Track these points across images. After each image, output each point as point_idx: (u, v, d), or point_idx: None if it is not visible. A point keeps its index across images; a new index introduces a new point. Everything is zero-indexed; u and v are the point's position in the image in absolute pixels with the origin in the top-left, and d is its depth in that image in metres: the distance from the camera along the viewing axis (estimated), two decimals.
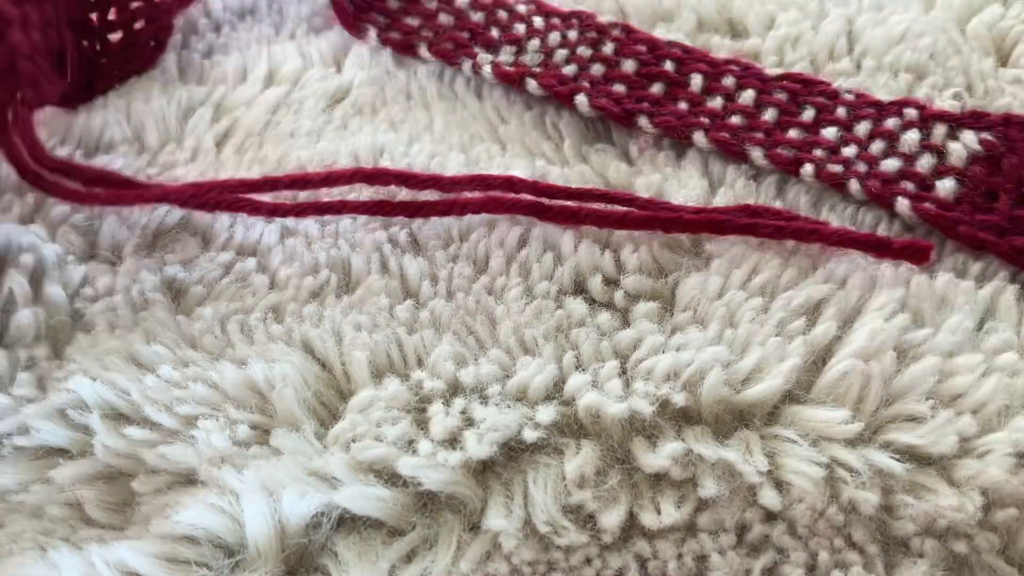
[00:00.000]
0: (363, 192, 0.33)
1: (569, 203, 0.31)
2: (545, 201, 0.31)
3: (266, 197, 0.33)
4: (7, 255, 0.32)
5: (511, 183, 0.32)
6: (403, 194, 0.33)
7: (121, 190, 0.33)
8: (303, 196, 0.33)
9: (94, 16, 0.36)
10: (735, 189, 0.33)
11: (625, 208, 0.31)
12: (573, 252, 0.31)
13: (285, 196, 0.33)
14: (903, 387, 0.27)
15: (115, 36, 0.37)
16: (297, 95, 0.38)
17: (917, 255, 0.29)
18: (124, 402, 0.28)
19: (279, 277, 0.31)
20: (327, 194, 0.33)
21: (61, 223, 0.33)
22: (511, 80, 0.36)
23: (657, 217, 0.30)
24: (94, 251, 0.32)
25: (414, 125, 0.36)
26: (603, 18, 0.37)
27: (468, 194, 0.32)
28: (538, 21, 0.38)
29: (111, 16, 0.37)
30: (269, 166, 0.35)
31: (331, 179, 0.32)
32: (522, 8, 0.38)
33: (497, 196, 0.31)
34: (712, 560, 0.25)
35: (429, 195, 0.32)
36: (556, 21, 0.38)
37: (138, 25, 0.37)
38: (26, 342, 0.30)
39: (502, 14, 0.38)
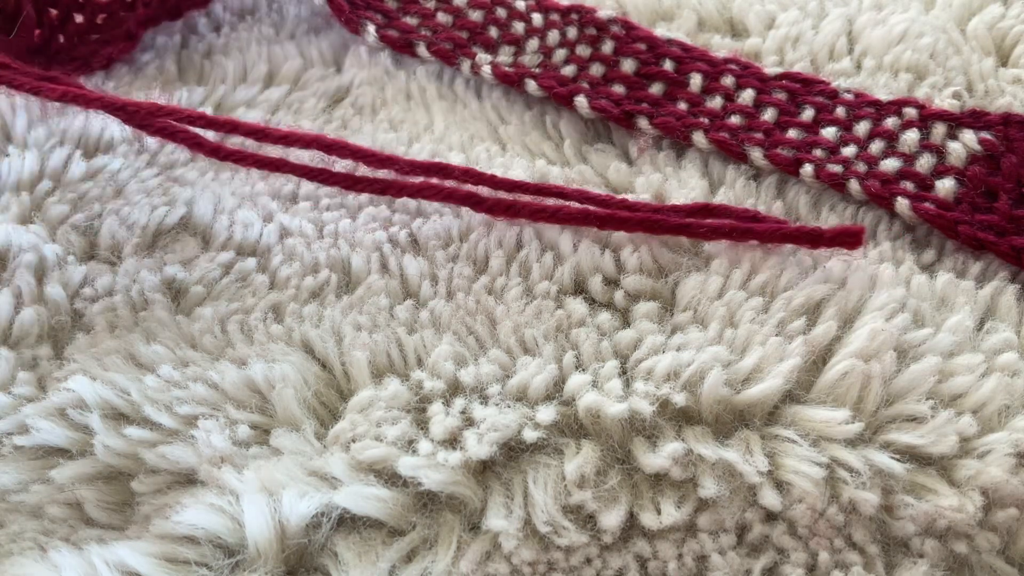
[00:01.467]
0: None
1: (506, 196, 0.31)
2: (482, 192, 0.32)
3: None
4: (8, 255, 0.32)
5: (468, 173, 0.32)
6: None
7: (67, 87, 0.33)
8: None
9: None
10: (735, 189, 0.33)
11: (562, 203, 0.31)
12: (573, 252, 0.31)
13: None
14: (903, 387, 0.27)
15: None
16: (297, 95, 0.38)
17: (850, 241, 0.29)
18: (124, 402, 0.28)
19: (279, 277, 0.31)
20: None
21: (61, 223, 0.33)
22: (510, 81, 0.36)
23: (593, 214, 0.30)
24: (94, 251, 0.32)
25: (414, 125, 0.36)
26: (602, 13, 0.37)
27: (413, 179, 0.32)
28: (537, 18, 0.38)
29: None
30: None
31: (290, 138, 0.32)
32: (521, 5, 0.38)
33: (433, 183, 0.32)
34: (712, 560, 0.25)
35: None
36: (555, 17, 0.38)
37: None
38: (29, 342, 0.30)
39: (501, 12, 0.38)
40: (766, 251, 0.30)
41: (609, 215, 0.30)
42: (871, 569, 0.25)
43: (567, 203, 0.31)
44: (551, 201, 0.31)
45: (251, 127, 0.32)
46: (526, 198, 0.32)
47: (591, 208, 0.31)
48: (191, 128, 0.32)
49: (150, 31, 0.40)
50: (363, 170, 0.33)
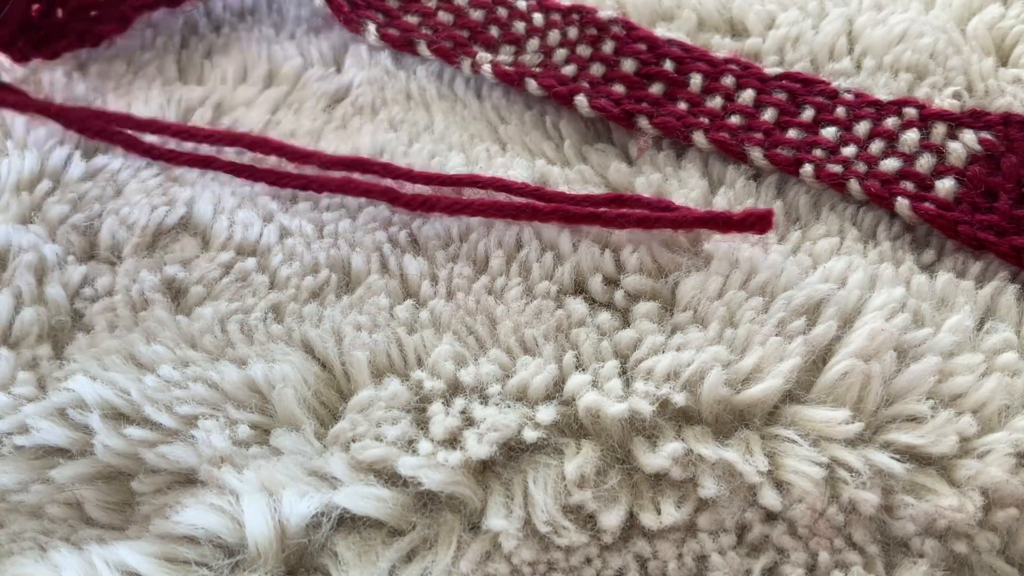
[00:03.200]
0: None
1: (425, 191, 0.32)
2: (400, 187, 0.32)
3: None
4: (7, 255, 0.32)
5: (386, 168, 0.33)
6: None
7: (19, 97, 0.35)
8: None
9: None
10: (735, 189, 0.33)
11: (476, 198, 0.32)
12: (573, 252, 0.31)
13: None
14: (903, 387, 0.27)
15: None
16: (297, 95, 0.38)
17: (758, 224, 0.30)
18: (124, 402, 0.28)
19: (279, 277, 0.31)
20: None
21: (61, 223, 0.33)
22: (510, 80, 0.36)
23: (506, 205, 0.31)
24: (94, 251, 0.32)
25: (414, 125, 0.36)
26: (603, 13, 0.37)
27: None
28: (538, 18, 0.38)
29: None
30: (269, 166, 0.35)
31: (215, 137, 0.34)
32: (522, 4, 0.38)
33: (353, 180, 0.33)
34: (712, 560, 0.25)
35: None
36: (556, 17, 0.38)
37: None
38: (30, 342, 0.30)
39: (502, 12, 0.38)
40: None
41: (523, 206, 0.31)
42: (871, 569, 0.25)
43: (485, 195, 0.32)
44: (469, 193, 0.32)
45: (176, 127, 0.34)
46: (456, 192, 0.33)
47: (502, 200, 0.31)
48: (125, 130, 0.35)
49: (150, 31, 0.40)
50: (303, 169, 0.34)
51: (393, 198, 0.32)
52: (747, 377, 0.27)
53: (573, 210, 0.30)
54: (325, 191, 0.33)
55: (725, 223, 0.30)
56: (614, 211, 0.30)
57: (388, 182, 0.33)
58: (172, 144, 0.35)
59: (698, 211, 0.31)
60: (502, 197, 0.32)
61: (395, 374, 0.29)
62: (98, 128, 0.34)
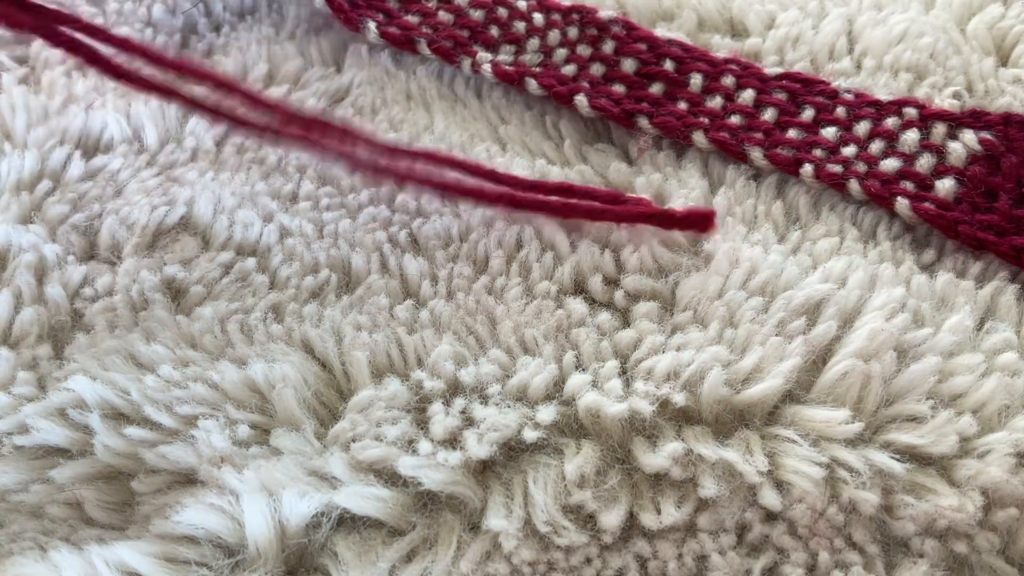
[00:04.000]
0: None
1: (387, 160, 0.32)
2: (360, 153, 0.32)
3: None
4: (7, 255, 0.32)
5: (346, 132, 0.32)
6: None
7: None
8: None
9: None
10: (735, 189, 0.33)
11: (432, 175, 0.32)
12: (572, 252, 0.31)
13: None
14: (903, 387, 0.27)
15: None
16: (297, 95, 0.38)
17: (701, 223, 0.30)
18: (124, 402, 0.28)
19: (279, 277, 0.31)
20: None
21: (61, 223, 0.33)
22: (510, 79, 0.36)
23: (454, 187, 0.31)
24: (94, 251, 0.32)
25: (414, 125, 0.36)
26: (603, 13, 0.37)
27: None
28: (538, 18, 0.38)
29: None
30: (269, 166, 0.35)
31: (180, 66, 0.32)
32: (522, 4, 0.38)
33: (311, 137, 0.32)
34: (712, 560, 0.25)
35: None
36: (556, 17, 0.38)
37: None
38: (30, 342, 0.30)
39: (502, 11, 0.38)
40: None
41: (473, 189, 0.31)
42: (871, 569, 0.25)
43: (412, 169, 0.32)
44: (421, 167, 0.32)
45: (142, 48, 0.32)
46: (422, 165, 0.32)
47: (456, 181, 0.31)
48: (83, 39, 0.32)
49: (150, 30, 0.40)
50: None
51: (353, 163, 0.32)
52: (747, 377, 0.27)
53: (520, 197, 0.31)
54: (282, 145, 0.33)
55: (668, 220, 0.30)
56: (559, 201, 0.31)
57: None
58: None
59: (645, 206, 0.31)
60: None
61: (395, 374, 0.29)
62: (50, 33, 0.31)
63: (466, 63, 0.37)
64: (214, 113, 0.32)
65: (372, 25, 0.38)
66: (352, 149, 0.32)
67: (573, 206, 0.31)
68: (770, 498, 0.26)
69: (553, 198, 0.31)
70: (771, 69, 0.35)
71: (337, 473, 0.26)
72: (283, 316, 0.30)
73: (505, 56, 0.37)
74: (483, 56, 0.37)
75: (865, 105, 0.34)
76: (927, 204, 0.31)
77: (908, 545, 0.26)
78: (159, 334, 0.30)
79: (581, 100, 0.35)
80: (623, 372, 0.28)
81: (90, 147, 0.36)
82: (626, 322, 0.30)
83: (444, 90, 0.37)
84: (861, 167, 0.32)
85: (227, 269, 0.32)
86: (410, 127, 0.36)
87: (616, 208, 0.31)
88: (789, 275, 0.30)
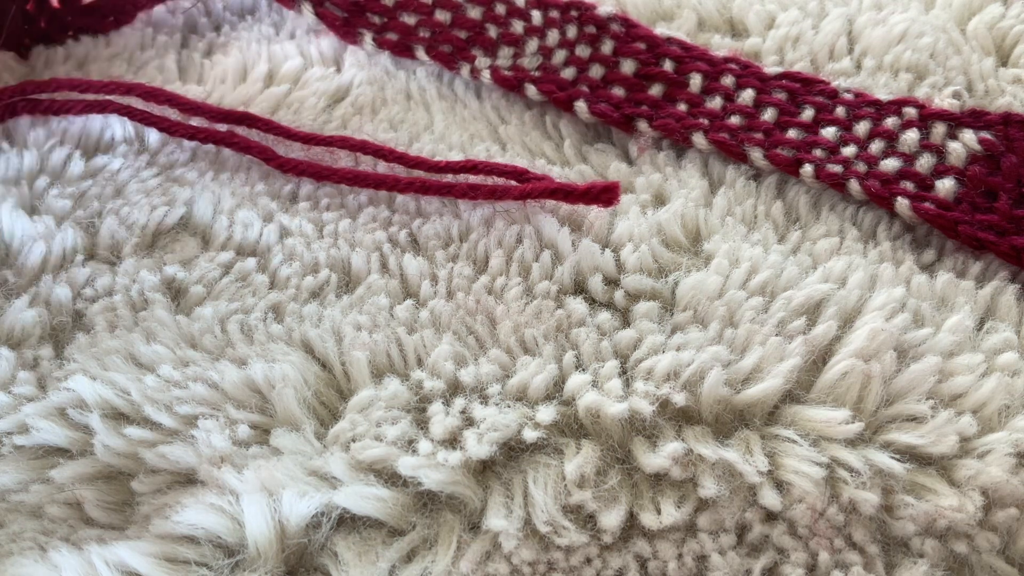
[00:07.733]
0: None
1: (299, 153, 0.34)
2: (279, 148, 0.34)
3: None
4: (8, 253, 0.32)
5: (269, 126, 0.35)
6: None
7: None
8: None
9: None
10: (735, 189, 0.33)
11: (342, 167, 0.34)
12: (572, 251, 0.31)
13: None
14: (903, 387, 0.27)
15: None
16: (297, 95, 0.38)
17: (603, 196, 0.31)
18: (124, 402, 0.28)
19: (279, 277, 0.31)
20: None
21: (64, 219, 0.33)
22: (510, 85, 0.36)
23: (368, 176, 0.33)
24: (94, 251, 0.32)
25: (414, 125, 0.36)
26: (602, 10, 0.37)
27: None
28: (536, 16, 0.37)
29: None
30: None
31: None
32: (520, 1, 0.38)
33: (235, 134, 0.34)
34: (712, 560, 0.25)
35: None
36: (555, 15, 0.37)
37: None
38: (31, 343, 0.30)
39: (500, 9, 0.38)
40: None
41: (384, 177, 0.32)
42: (871, 569, 0.25)
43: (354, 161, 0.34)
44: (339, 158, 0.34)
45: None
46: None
47: (367, 171, 0.33)
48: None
49: (150, 30, 0.40)
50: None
51: (268, 158, 0.34)
52: (747, 377, 0.27)
53: (429, 183, 0.32)
54: (209, 142, 0.34)
55: (570, 194, 0.31)
56: (465, 184, 0.32)
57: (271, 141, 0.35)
58: None
59: (548, 182, 0.31)
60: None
61: (395, 374, 0.29)
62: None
63: (465, 69, 0.37)
64: (146, 117, 0.35)
65: (368, 37, 0.38)
66: (271, 147, 0.34)
67: (478, 187, 0.32)
68: (770, 498, 0.26)
69: (461, 180, 0.32)
70: (771, 69, 0.35)
71: (337, 473, 0.26)
72: (283, 316, 0.30)
73: (504, 60, 0.37)
74: (482, 62, 0.37)
75: (865, 105, 0.34)
76: (927, 204, 0.31)
77: (908, 545, 0.26)
78: (159, 334, 0.30)
79: (581, 106, 0.35)
80: (623, 372, 0.28)
81: (90, 147, 0.36)
82: (626, 322, 0.30)
83: (444, 90, 0.37)
84: (861, 167, 0.32)
85: (227, 269, 0.32)
86: (410, 127, 0.36)
87: (520, 186, 0.31)
88: (789, 275, 0.30)
